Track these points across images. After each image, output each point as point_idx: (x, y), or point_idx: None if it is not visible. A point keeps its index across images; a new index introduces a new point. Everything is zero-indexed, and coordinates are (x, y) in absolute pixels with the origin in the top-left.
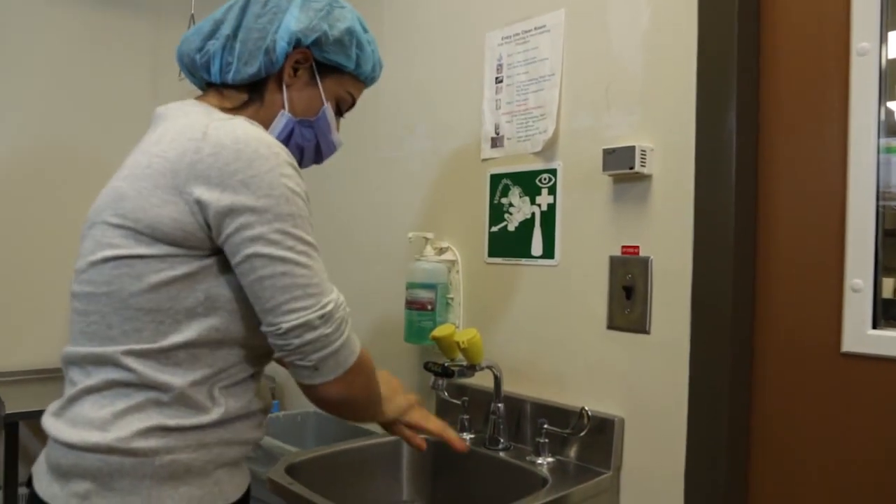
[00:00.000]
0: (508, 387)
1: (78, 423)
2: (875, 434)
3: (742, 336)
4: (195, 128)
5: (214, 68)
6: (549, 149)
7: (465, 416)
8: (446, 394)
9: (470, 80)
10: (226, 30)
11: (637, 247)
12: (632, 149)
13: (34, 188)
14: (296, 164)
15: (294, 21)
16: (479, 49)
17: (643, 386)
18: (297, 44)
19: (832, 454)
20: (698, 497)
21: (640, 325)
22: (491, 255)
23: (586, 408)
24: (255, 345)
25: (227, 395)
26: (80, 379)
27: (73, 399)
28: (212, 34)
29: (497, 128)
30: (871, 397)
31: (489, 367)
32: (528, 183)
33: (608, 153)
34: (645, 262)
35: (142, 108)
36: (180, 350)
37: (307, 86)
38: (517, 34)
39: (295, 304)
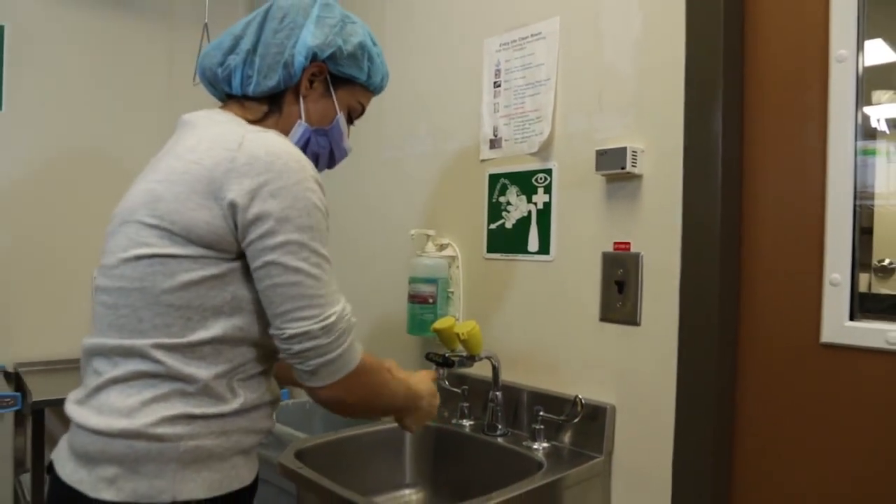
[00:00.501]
0: (506, 376)
1: (104, 411)
2: (852, 420)
3: (727, 328)
4: (231, 138)
5: (235, 81)
6: (544, 150)
7: (465, 404)
8: (447, 383)
9: (469, 84)
10: (245, 45)
11: (628, 243)
12: (623, 150)
13: (54, 189)
14: (320, 179)
15: (311, 37)
16: (478, 55)
17: (634, 375)
18: (313, 58)
19: (813, 440)
20: (685, 480)
21: (631, 317)
22: (489, 251)
23: (580, 396)
24: (270, 343)
25: (244, 388)
26: (107, 369)
27: (99, 388)
28: (232, 49)
29: (495, 130)
30: (848, 385)
31: (488, 358)
32: (525, 182)
33: (601, 154)
34: (636, 258)
35: (157, 112)
36: (206, 345)
37: (322, 97)
38: (514, 41)
39: (300, 314)
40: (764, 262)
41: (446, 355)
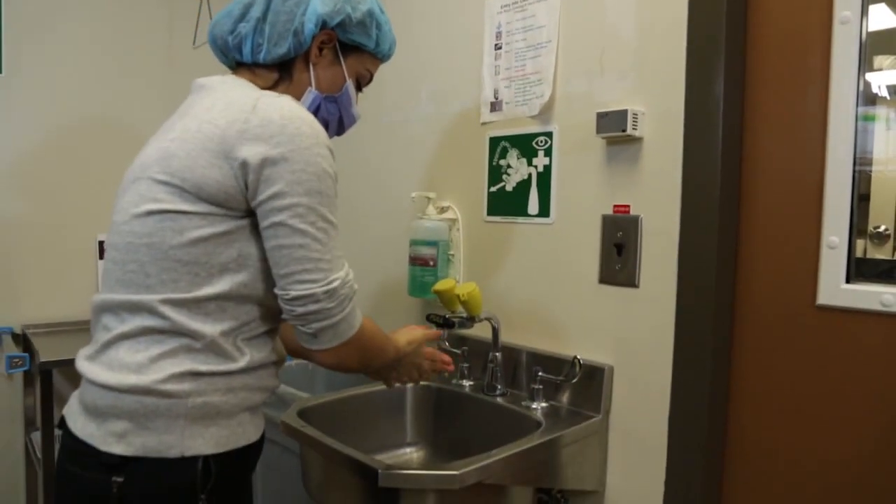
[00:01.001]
0: (505, 337)
1: (114, 367)
2: (847, 380)
3: (725, 290)
4: (245, 101)
5: (246, 49)
6: (545, 113)
7: (465, 365)
8: (448, 343)
9: (470, 47)
10: (255, 13)
11: (628, 206)
12: (624, 112)
13: (57, 153)
14: (331, 146)
15: (320, 4)
16: (479, 17)
17: (632, 336)
18: (322, 25)
19: (808, 400)
20: (680, 438)
21: (630, 280)
22: (490, 213)
23: (578, 356)
24: (275, 303)
25: (250, 346)
26: (115, 325)
27: (109, 344)
28: (242, 17)
29: (496, 93)
30: (843, 347)
31: (487, 319)
32: (526, 145)
33: (601, 116)
34: (635, 221)
35: (157, 75)
36: (211, 301)
37: (331, 64)
38: (515, 2)
39: (305, 276)
40: (762, 225)
41: (447, 316)
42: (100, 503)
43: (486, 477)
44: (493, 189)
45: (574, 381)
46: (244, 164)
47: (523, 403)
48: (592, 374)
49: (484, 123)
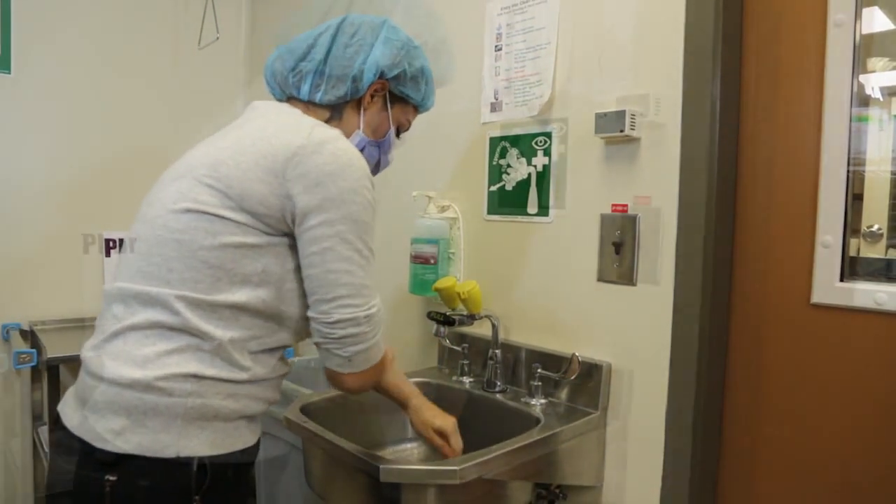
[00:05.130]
0: (505, 334)
1: (119, 358)
2: (841, 377)
3: (721, 288)
4: (301, 126)
5: (304, 87)
6: (544, 113)
7: (466, 362)
8: (448, 341)
9: (470, 48)
10: (317, 55)
11: (626, 205)
12: (622, 113)
13: (68, 153)
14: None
15: (381, 56)
16: (480, 19)
17: (630, 334)
18: (380, 75)
19: (801, 396)
20: (677, 434)
21: (627, 278)
22: (490, 212)
23: (577, 354)
24: (286, 321)
25: (256, 361)
26: (125, 315)
27: (116, 334)
28: (304, 56)
29: (496, 93)
30: (836, 344)
31: (487, 317)
32: (525, 145)
33: (600, 117)
34: (633, 220)
35: (162, 76)
36: (227, 308)
37: (379, 111)
38: (515, 4)
39: (350, 301)
40: (758, 224)
41: (447, 314)
42: (93, 500)
43: (485, 472)
44: (493, 188)
45: (573, 377)
46: (292, 195)
47: (523, 400)
48: (591, 371)
49: (484, 123)
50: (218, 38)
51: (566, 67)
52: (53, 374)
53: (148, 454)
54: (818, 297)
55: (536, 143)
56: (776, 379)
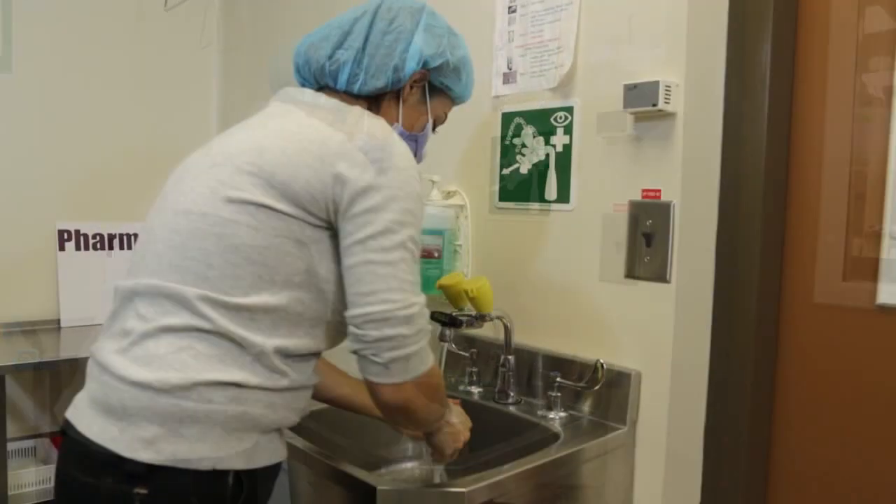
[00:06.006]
0: (519, 338)
1: (153, 363)
2: None
3: (769, 286)
4: (348, 114)
5: (342, 77)
6: (565, 85)
7: (474, 369)
8: (454, 345)
9: (480, 9)
10: (354, 42)
11: (659, 191)
12: (655, 84)
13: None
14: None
15: (424, 44)
16: None
17: (662, 338)
18: (424, 65)
19: (865, 410)
20: (718, 454)
21: (660, 274)
22: (502, 199)
23: (601, 360)
24: (324, 328)
25: (294, 367)
26: (155, 316)
27: (147, 336)
28: (340, 44)
29: (509, 62)
30: None
31: (499, 318)
32: (543, 122)
33: (629, 89)
34: (667, 208)
35: (125, 37)
36: (266, 313)
37: (418, 103)
38: None
39: (387, 295)
40: (813, 214)
41: (453, 314)
42: None
43: (497, 495)
44: (506, 171)
45: (596, 387)
46: (340, 175)
47: (539, 413)
48: (618, 381)
49: (496, 97)
50: None
51: (591, 32)
52: None
53: (182, 465)
54: (885, 297)
55: (556, 120)
56: (835, 391)
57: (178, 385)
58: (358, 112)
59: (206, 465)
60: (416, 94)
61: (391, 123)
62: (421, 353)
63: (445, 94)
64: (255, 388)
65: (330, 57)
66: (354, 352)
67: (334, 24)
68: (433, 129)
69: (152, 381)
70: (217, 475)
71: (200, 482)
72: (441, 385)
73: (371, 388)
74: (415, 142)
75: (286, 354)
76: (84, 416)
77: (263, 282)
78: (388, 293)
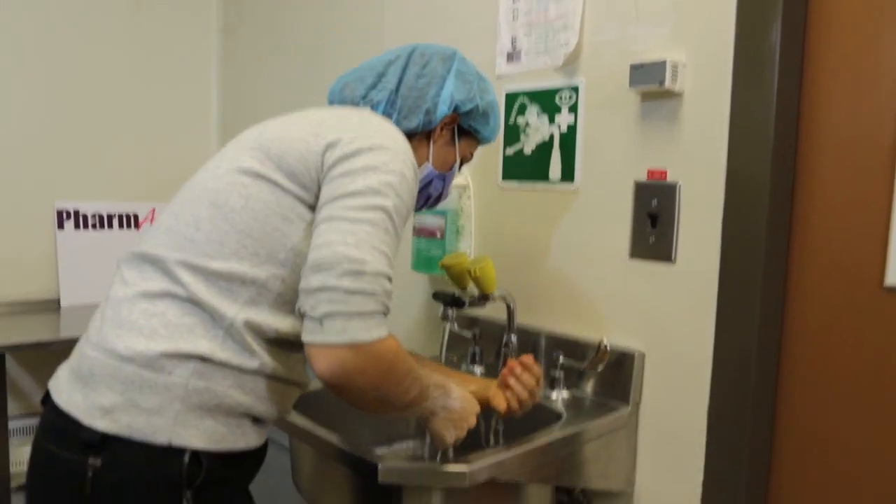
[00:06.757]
0: (522, 318)
1: (123, 327)
2: None
3: (776, 267)
4: (361, 110)
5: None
6: (570, 64)
7: (476, 349)
8: (456, 325)
9: None
10: (388, 84)
11: (664, 171)
12: (662, 63)
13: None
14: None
15: (455, 89)
16: None
17: (666, 318)
18: (455, 109)
19: (871, 393)
20: (721, 436)
21: (665, 254)
22: (505, 178)
23: (605, 340)
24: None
25: (266, 350)
26: (136, 281)
27: (124, 301)
28: (374, 85)
29: (514, 40)
30: None
31: (502, 298)
32: (547, 101)
33: (636, 68)
34: (673, 188)
35: (123, 20)
36: (241, 283)
37: (447, 144)
38: None
39: (340, 248)
40: (822, 193)
41: (456, 294)
42: (72, 489)
43: (499, 474)
44: (510, 151)
45: (600, 367)
46: (332, 141)
47: (542, 393)
48: (621, 361)
49: (500, 76)
50: None
51: (597, 9)
52: None
53: (137, 437)
54: (893, 278)
55: (561, 99)
56: (841, 372)
57: (142, 353)
58: (370, 111)
59: (160, 440)
60: (446, 135)
61: (422, 162)
62: (367, 319)
63: (473, 136)
64: (221, 365)
65: (364, 97)
66: (297, 309)
67: (368, 66)
68: (459, 167)
69: (120, 348)
70: (172, 452)
71: (154, 457)
72: (402, 365)
73: (308, 354)
74: (442, 180)
75: (258, 333)
76: (58, 383)
77: (247, 251)
78: (342, 246)
